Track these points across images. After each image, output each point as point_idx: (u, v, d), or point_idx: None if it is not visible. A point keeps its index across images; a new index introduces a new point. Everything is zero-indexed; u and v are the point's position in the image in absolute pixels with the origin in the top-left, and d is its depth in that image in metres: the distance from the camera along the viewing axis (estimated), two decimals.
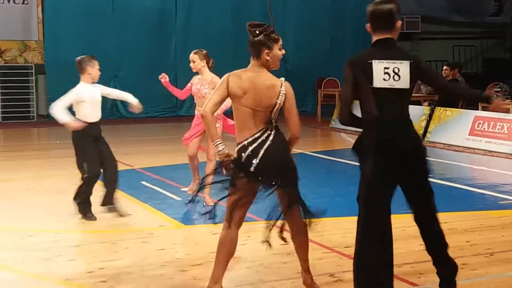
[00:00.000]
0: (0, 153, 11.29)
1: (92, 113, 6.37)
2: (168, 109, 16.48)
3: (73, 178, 8.42)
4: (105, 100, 17.80)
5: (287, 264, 5.00)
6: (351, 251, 5.26)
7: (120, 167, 9.34)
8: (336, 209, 6.85)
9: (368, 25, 4.03)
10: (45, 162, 9.89)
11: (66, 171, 8.99)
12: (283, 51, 4.33)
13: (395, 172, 3.95)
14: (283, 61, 17.16)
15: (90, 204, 6.34)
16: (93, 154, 6.33)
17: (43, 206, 6.96)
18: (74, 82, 17.91)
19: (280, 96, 4.18)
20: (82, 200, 6.33)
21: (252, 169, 4.13)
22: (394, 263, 4.94)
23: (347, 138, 12.92)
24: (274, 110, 4.18)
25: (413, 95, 14.39)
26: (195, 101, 7.37)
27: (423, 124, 12.30)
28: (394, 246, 5.33)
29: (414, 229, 5.69)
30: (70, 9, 15.38)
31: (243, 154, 4.15)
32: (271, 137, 4.19)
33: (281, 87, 4.20)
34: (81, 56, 6.37)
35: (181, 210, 6.81)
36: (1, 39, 15.37)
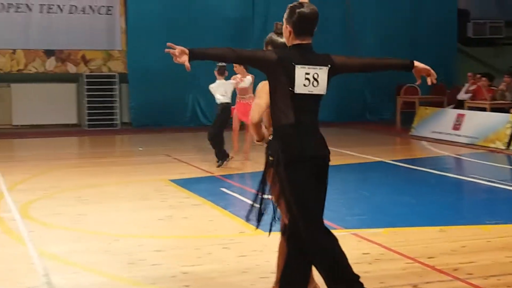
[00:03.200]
0: (88, 159, 11.71)
1: None
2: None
3: (156, 184, 8.70)
4: (184, 108, 18.05)
5: (369, 273, 4.93)
6: (435, 262, 5.19)
7: (200, 174, 9.60)
8: (418, 219, 6.74)
9: (289, 29, 3.82)
10: (128, 168, 10.18)
11: (148, 177, 9.24)
12: None
13: (315, 180, 3.85)
14: None
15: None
16: None
17: (128, 211, 7.17)
18: (156, 90, 18.35)
19: None
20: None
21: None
22: (480, 275, 4.82)
23: (428, 146, 12.66)
24: None
25: (497, 102, 13.81)
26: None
27: (508, 132, 11.90)
28: (479, 257, 5.21)
29: (501, 241, 5.54)
30: (152, 19, 15.80)
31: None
32: None
33: None
34: None
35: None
36: (86, 49, 15.95)
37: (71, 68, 15.89)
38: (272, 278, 4.88)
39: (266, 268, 5.12)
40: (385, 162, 10.58)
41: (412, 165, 10.30)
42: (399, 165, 10.33)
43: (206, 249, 5.64)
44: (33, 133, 14.75)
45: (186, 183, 8.71)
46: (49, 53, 15.66)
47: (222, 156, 9.90)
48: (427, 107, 14.45)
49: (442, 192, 8.26)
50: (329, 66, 3.85)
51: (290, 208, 3.90)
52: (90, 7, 15.86)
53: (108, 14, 16.04)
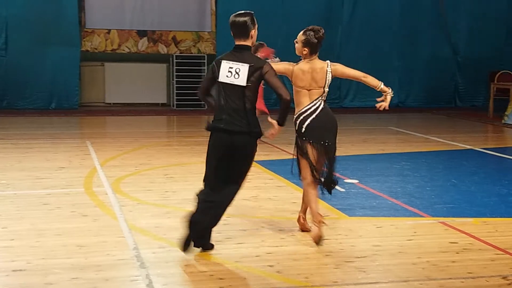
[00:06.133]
0: (175, 138, 12.02)
1: None
2: (331, 100, 16.52)
3: None
4: (270, 91, 18.18)
5: (456, 263, 4.84)
6: None
7: (285, 156, 9.64)
8: (509, 209, 6.53)
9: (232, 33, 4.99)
10: None
11: None
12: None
13: (222, 149, 4.92)
14: (453, 53, 16.61)
15: None
16: None
17: None
18: None
19: (328, 75, 5.36)
20: None
21: (303, 130, 5.34)
22: None
23: None
24: (325, 86, 5.38)
25: None
26: None
27: None
28: None
29: None
30: (242, 2, 15.85)
31: (297, 121, 5.38)
32: (321, 107, 5.37)
33: (327, 67, 5.37)
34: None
35: (345, 202, 6.83)
36: (177, 30, 16.26)
37: (162, 49, 16.25)
38: (357, 262, 4.89)
39: (350, 253, 5.11)
40: (475, 150, 10.26)
41: (504, 154, 9.95)
42: (490, 154, 10.00)
43: (290, 230, 5.68)
44: (125, 111, 15.23)
45: (270, 165, 8.77)
46: (141, 33, 16.07)
47: None
48: None
49: None
50: (251, 65, 4.88)
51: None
52: None
53: None
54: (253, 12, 5.14)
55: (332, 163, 5.40)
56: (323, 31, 5.41)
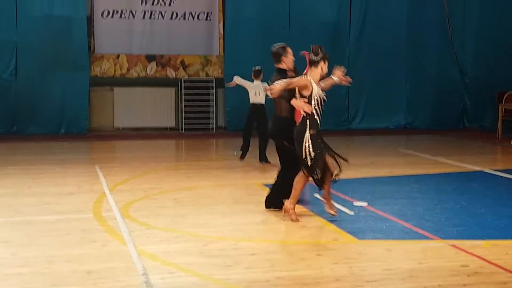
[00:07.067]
0: (184, 162, 12.02)
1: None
2: (340, 122, 16.55)
3: (250, 187, 8.81)
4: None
5: (468, 286, 4.80)
6: None
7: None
8: None
9: None
10: (223, 172, 10.35)
11: (243, 181, 9.35)
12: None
13: None
14: (460, 74, 16.60)
15: None
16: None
17: (222, 214, 7.29)
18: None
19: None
20: None
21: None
22: None
23: None
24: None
25: None
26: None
27: None
28: None
29: None
30: (250, 25, 16.00)
31: None
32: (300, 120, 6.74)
33: None
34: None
35: (354, 225, 6.80)
36: (186, 54, 16.37)
37: (171, 73, 16.35)
38: (368, 286, 4.85)
39: (360, 277, 5.07)
40: (484, 171, 10.22)
41: None
42: (499, 175, 9.95)
43: (300, 254, 5.66)
44: (133, 135, 15.29)
45: None
46: (150, 58, 16.19)
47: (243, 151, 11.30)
48: None
49: None
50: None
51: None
52: (191, 13, 16.28)
53: (207, 20, 16.39)
54: (285, 44, 7.24)
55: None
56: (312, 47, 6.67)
